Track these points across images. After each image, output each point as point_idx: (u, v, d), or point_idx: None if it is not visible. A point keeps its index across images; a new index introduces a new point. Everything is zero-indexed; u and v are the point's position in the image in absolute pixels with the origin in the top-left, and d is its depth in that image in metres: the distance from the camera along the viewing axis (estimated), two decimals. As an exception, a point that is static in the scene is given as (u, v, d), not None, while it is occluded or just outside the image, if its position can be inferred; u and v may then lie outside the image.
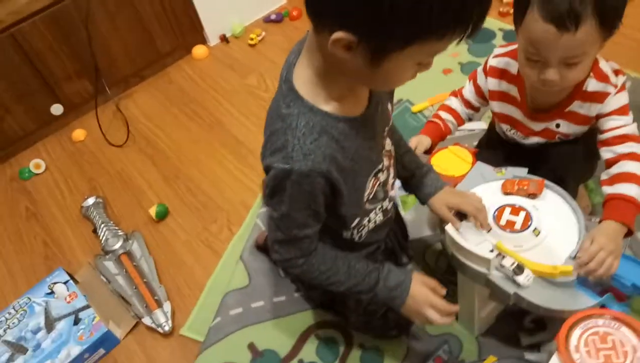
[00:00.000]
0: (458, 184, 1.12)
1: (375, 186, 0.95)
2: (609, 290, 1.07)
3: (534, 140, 1.20)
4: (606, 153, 1.07)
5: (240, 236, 1.52)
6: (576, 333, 0.72)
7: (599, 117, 1.09)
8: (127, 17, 2.02)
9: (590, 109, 1.09)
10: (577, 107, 1.10)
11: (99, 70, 2.01)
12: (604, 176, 1.06)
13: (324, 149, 0.78)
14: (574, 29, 0.91)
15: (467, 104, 1.27)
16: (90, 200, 1.71)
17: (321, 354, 1.22)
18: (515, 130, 1.22)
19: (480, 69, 1.23)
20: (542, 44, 0.96)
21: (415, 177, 1.08)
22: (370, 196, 0.95)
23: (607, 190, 1.03)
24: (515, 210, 0.99)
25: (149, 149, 1.92)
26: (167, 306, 1.37)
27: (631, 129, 1.06)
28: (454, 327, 1.20)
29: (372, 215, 1.00)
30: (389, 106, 0.96)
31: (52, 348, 1.31)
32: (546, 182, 1.05)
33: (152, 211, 1.63)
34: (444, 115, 1.27)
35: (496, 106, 1.21)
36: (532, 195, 1.03)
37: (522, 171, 1.11)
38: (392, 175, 1.01)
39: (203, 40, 2.32)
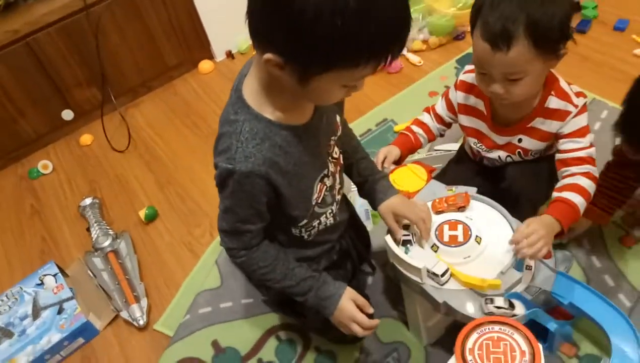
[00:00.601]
0: (410, 200, 1.18)
1: (323, 191, 1.03)
2: (555, 309, 1.12)
3: (497, 154, 1.26)
4: (563, 172, 1.13)
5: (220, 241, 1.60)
6: (473, 337, 0.78)
7: (558, 136, 1.15)
8: (136, 31, 2.15)
9: (551, 126, 1.14)
10: (539, 123, 1.16)
11: (106, 80, 2.14)
12: (557, 185, 1.12)
13: (265, 153, 0.88)
14: (505, 48, 0.99)
15: (439, 119, 1.33)
16: (88, 201, 1.83)
17: (280, 354, 1.29)
18: (480, 143, 1.28)
19: (451, 87, 1.30)
20: (482, 60, 1.05)
21: (368, 183, 1.15)
22: (319, 200, 1.03)
23: (555, 194, 1.10)
24: (453, 225, 1.05)
25: (148, 155, 2.04)
26: (144, 302, 1.47)
27: (589, 152, 1.12)
28: (405, 336, 1.25)
29: (322, 218, 1.08)
30: (337, 118, 1.05)
31: (36, 335, 1.41)
32: (472, 194, 1.11)
33: (142, 213, 1.73)
34: (415, 128, 1.34)
35: (464, 120, 1.28)
36: (462, 208, 1.09)
37: (472, 190, 1.17)
38: (338, 181, 1.09)
39: (210, 56, 2.44)
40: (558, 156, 1.15)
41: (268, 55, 0.76)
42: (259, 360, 1.29)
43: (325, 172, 1.02)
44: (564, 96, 1.12)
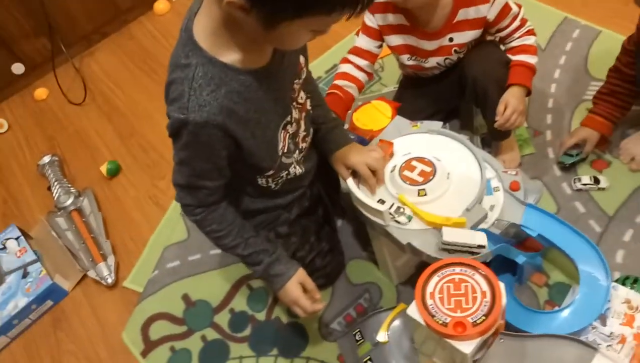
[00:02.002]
0: (374, 138, 1.13)
1: (287, 138, 0.97)
2: (526, 241, 1.10)
3: (435, 60, 1.24)
4: (509, 41, 1.21)
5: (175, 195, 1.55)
6: (434, 280, 0.75)
7: (490, 24, 1.17)
8: (81, -27, 2.00)
9: (479, 11, 1.15)
10: (464, 14, 1.16)
11: (55, 29, 2.01)
12: (508, 48, 1.21)
13: (221, 101, 0.80)
14: None
15: (366, 54, 1.26)
16: (46, 158, 1.75)
17: (251, 304, 1.27)
18: (415, 56, 1.26)
19: (365, 17, 1.25)
20: None
21: (321, 131, 1.09)
22: (285, 149, 0.97)
23: (511, 57, 1.20)
24: (409, 167, 1.00)
25: (107, 107, 1.94)
26: (111, 259, 1.43)
27: (521, 15, 1.18)
28: (376, 276, 1.24)
29: (291, 169, 1.03)
30: (301, 59, 0.96)
31: (1, 300, 1.37)
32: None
33: (103, 169, 1.66)
34: (340, 82, 1.26)
35: (392, 40, 1.25)
36: (392, 155, 1.05)
37: (437, 125, 1.12)
38: (302, 128, 1.02)
39: (165, -6, 2.29)
40: (498, 35, 1.21)
41: None
42: (231, 311, 1.27)
43: (288, 118, 0.95)
44: None
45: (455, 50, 1.22)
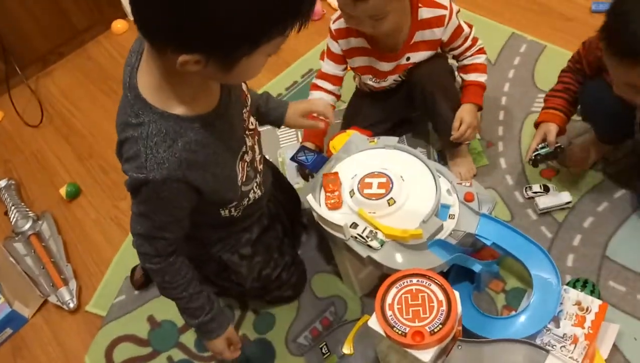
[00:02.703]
0: (334, 154, 1.16)
1: (245, 168, 0.98)
2: (482, 250, 1.14)
3: (392, 78, 1.31)
4: (462, 59, 1.30)
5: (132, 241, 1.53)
6: (392, 292, 0.78)
7: (445, 44, 1.25)
8: (35, -7, 1.98)
9: (434, 33, 1.22)
10: (420, 36, 1.23)
11: (9, 49, 1.97)
12: (460, 65, 1.31)
13: (179, 155, 0.79)
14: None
15: (333, 79, 1.33)
16: (2, 183, 1.71)
17: (217, 322, 1.27)
18: (375, 77, 1.32)
19: (328, 43, 1.32)
20: (345, 10, 1.14)
21: (261, 107, 1.11)
22: (244, 179, 0.99)
23: (464, 77, 1.30)
24: (365, 184, 1.02)
25: (65, 128, 1.92)
26: (72, 284, 1.41)
27: (472, 36, 1.26)
28: (341, 289, 1.26)
29: (250, 194, 1.04)
30: (244, 87, 0.98)
31: (-43, 331, 1.33)
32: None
33: (63, 191, 1.64)
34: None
35: (354, 62, 1.31)
36: (340, 184, 1.07)
37: (392, 140, 1.15)
38: (257, 152, 1.05)
39: (123, 14, 2.28)
40: (452, 53, 1.29)
41: (184, 58, 0.69)
42: (197, 330, 1.27)
43: (244, 149, 0.96)
44: (431, 4, 1.20)
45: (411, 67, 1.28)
